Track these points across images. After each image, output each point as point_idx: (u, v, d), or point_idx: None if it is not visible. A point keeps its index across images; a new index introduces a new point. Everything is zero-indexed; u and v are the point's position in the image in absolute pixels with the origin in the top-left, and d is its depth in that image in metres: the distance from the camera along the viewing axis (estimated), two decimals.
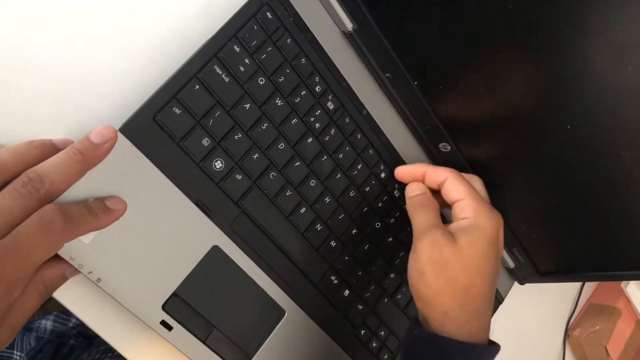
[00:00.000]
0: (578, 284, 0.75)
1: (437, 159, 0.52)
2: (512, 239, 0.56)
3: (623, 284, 0.71)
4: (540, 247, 0.57)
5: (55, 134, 0.36)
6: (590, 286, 0.76)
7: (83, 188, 0.35)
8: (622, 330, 0.71)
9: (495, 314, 0.61)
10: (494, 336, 0.59)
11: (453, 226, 0.44)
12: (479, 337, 0.42)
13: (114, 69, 0.39)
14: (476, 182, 0.48)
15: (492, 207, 0.45)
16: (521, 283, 0.62)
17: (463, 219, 0.43)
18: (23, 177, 0.32)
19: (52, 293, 0.36)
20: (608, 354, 0.68)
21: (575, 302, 0.75)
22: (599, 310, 0.73)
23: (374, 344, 0.51)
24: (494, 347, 0.42)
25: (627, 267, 0.52)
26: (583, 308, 0.75)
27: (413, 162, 0.52)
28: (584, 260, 0.55)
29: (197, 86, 0.39)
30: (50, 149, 0.35)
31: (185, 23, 0.42)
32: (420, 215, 0.44)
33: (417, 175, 0.48)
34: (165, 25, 0.41)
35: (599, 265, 0.54)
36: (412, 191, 0.47)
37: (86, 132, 0.34)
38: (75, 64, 0.38)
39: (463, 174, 0.47)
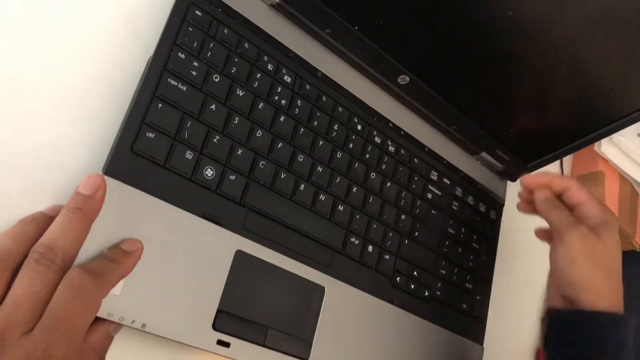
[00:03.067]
0: (558, 167, 0.78)
1: (400, 94, 0.53)
2: (492, 140, 0.58)
3: (596, 147, 0.74)
4: (519, 139, 0.59)
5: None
6: (568, 162, 0.80)
7: (94, 243, 0.33)
8: (611, 188, 0.75)
9: (501, 216, 0.63)
10: (506, 237, 0.61)
11: (587, 224, 0.49)
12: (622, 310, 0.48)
13: (70, 125, 0.38)
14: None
15: None
16: (513, 180, 0.64)
17: (592, 217, 0.49)
18: (33, 255, 0.30)
19: (104, 358, 0.34)
20: None
21: None
22: (584, 180, 0.76)
23: (412, 286, 0.51)
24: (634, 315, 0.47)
25: (594, 128, 0.55)
26: None
27: (380, 107, 0.53)
28: (559, 137, 0.58)
29: (160, 104, 0.38)
30: (44, 220, 0.33)
31: (118, 51, 0.40)
32: (559, 214, 0.50)
33: (544, 182, 0.53)
34: (100, 60, 0.40)
35: (572, 136, 0.57)
36: (542, 194, 0.52)
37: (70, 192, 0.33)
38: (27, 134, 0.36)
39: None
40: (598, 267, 0.47)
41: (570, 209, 0.51)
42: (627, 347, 0.45)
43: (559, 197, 0.52)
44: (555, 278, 0.49)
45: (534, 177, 0.54)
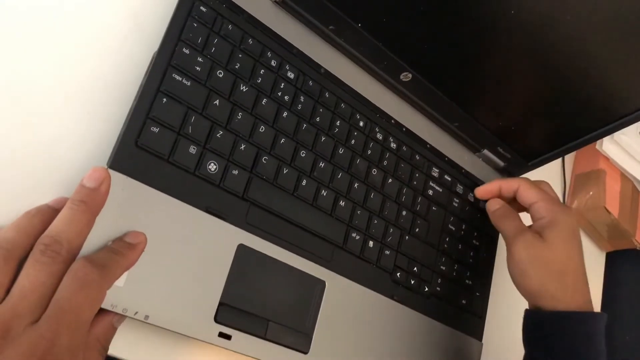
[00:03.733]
0: (559, 165, 0.79)
1: (402, 91, 0.54)
2: (494, 138, 0.59)
3: (597, 145, 0.74)
4: (521, 137, 0.59)
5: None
6: (570, 161, 0.80)
7: (99, 235, 0.34)
8: (612, 186, 0.75)
9: None
10: None
11: (535, 226, 0.49)
12: (587, 308, 0.47)
13: (76, 120, 0.38)
14: (545, 185, 0.54)
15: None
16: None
17: (541, 218, 0.49)
18: (39, 247, 0.31)
19: (108, 349, 0.35)
20: (609, 213, 0.72)
21: (562, 180, 0.78)
22: (585, 178, 0.77)
23: (412, 281, 0.52)
24: (602, 314, 0.46)
25: (596, 127, 0.55)
26: (571, 182, 0.79)
27: (382, 104, 0.53)
28: (561, 135, 0.58)
29: (164, 99, 0.39)
30: (49, 212, 0.34)
31: (123, 47, 0.41)
32: (506, 224, 0.51)
33: (494, 191, 0.55)
34: (105, 55, 0.40)
35: (574, 135, 0.57)
36: (493, 206, 0.54)
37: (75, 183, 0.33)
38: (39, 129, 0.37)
39: (533, 180, 0.54)
40: (548, 273, 0.47)
41: (526, 209, 0.53)
42: (596, 342, 0.45)
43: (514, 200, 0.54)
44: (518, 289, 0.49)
45: (484, 187, 0.56)
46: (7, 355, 0.28)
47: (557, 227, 0.48)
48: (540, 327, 0.47)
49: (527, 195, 0.52)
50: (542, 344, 0.46)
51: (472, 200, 0.60)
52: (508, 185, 0.54)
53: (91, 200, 0.33)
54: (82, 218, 0.33)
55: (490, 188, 0.56)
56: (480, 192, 0.57)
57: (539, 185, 0.53)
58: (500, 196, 0.56)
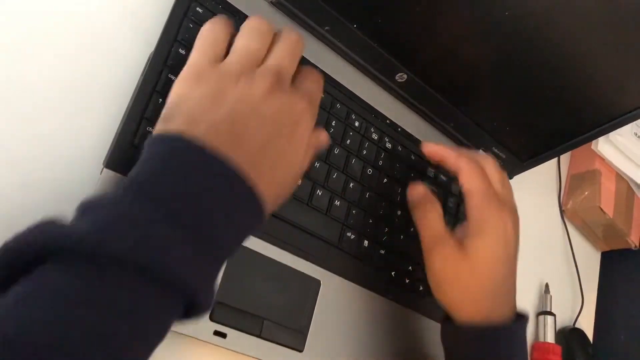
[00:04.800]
0: (555, 164, 0.79)
1: (398, 92, 0.54)
2: (489, 138, 0.59)
3: (593, 145, 0.75)
4: (516, 137, 0.60)
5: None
6: (565, 161, 0.81)
7: None
8: (607, 187, 0.75)
9: None
10: None
11: (460, 232, 0.44)
12: (506, 317, 0.43)
13: (72, 120, 0.38)
14: (488, 164, 0.47)
15: (502, 199, 0.45)
16: (510, 177, 0.65)
17: (467, 221, 0.44)
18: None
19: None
20: (604, 213, 0.73)
21: (558, 180, 0.79)
22: (580, 178, 0.77)
23: (407, 280, 0.52)
24: (520, 322, 0.44)
25: (591, 127, 0.55)
26: (567, 182, 0.79)
27: (378, 104, 0.53)
28: (556, 135, 0.58)
29: (160, 99, 0.39)
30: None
31: (119, 47, 0.41)
32: (424, 228, 0.45)
33: (438, 157, 0.48)
34: (101, 55, 0.40)
35: (568, 135, 0.58)
36: (415, 192, 0.48)
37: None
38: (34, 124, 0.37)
39: (475, 156, 0.48)
40: (465, 293, 0.43)
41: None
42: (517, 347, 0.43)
43: None
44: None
45: (434, 147, 0.48)
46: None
47: (481, 236, 0.42)
48: (455, 337, 0.45)
49: (465, 183, 0.45)
50: (457, 353, 0.45)
51: None
52: (450, 163, 0.47)
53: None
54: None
55: (438, 152, 0.48)
56: (428, 149, 0.49)
57: (482, 162, 0.47)
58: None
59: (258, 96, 0.32)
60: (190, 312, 0.29)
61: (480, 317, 0.42)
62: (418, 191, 0.48)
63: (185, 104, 0.32)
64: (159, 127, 0.31)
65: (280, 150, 0.33)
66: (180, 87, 0.33)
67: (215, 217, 0.28)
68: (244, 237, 0.32)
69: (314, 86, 0.37)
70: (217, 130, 0.30)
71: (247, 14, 0.45)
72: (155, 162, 0.29)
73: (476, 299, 0.42)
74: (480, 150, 0.60)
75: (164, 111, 0.33)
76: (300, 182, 0.44)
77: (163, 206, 0.27)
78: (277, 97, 0.33)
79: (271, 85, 0.33)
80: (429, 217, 0.46)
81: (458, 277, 0.42)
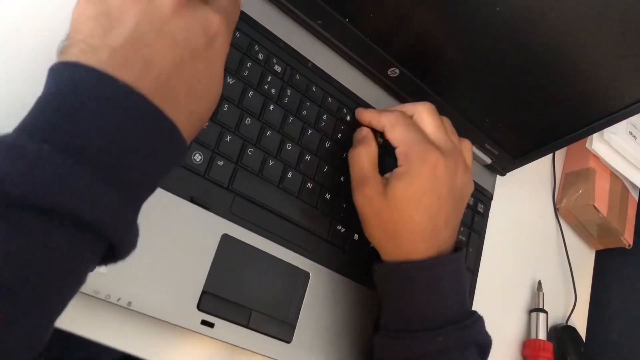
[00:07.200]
0: (550, 162, 0.79)
1: (390, 87, 0.54)
2: (481, 134, 0.59)
3: (587, 144, 0.75)
4: (508, 133, 0.60)
5: None
6: (560, 159, 0.81)
7: None
8: (602, 185, 0.75)
9: (490, 209, 0.64)
10: (493, 230, 0.61)
11: (388, 175, 0.44)
12: (431, 255, 0.43)
13: None
14: (419, 111, 0.47)
15: (433, 143, 0.44)
16: (502, 174, 0.65)
17: (400, 166, 0.44)
18: None
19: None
20: (598, 211, 0.73)
21: (552, 177, 0.79)
22: (575, 176, 0.77)
23: None
24: (441, 257, 0.43)
25: (584, 123, 0.55)
26: (561, 180, 0.79)
27: (370, 98, 0.53)
28: (548, 132, 0.59)
29: None
30: None
31: None
32: (354, 167, 0.46)
33: (364, 124, 0.49)
34: None
35: (561, 132, 0.58)
36: (358, 134, 0.49)
37: None
38: None
39: (410, 106, 0.48)
40: (384, 232, 0.44)
41: None
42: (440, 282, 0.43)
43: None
44: None
45: (365, 113, 0.50)
46: None
47: (401, 179, 0.42)
48: (378, 274, 0.45)
49: (392, 138, 0.45)
50: (381, 290, 0.45)
51: None
52: (376, 124, 0.47)
53: None
54: None
55: (366, 117, 0.49)
56: (358, 116, 0.50)
57: (416, 110, 0.47)
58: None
59: (164, 13, 0.29)
60: (111, 255, 0.28)
61: (402, 255, 0.43)
62: (361, 132, 0.48)
63: (83, 27, 0.28)
64: (57, 59, 0.28)
65: (195, 74, 0.30)
66: (78, 8, 0.29)
67: (120, 153, 0.26)
68: (160, 177, 0.30)
69: (228, 3, 0.34)
70: (120, 56, 0.27)
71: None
72: (45, 100, 0.27)
73: (394, 238, 0.43)
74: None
75: (62, 41, 0.29)
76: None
77: (69, 147, 0.25)
78: (186, 13, 0.30)
79: (178, 0, 0.30)
80: (361, 157, 0.46)
81: (378, 216, 0.43)
